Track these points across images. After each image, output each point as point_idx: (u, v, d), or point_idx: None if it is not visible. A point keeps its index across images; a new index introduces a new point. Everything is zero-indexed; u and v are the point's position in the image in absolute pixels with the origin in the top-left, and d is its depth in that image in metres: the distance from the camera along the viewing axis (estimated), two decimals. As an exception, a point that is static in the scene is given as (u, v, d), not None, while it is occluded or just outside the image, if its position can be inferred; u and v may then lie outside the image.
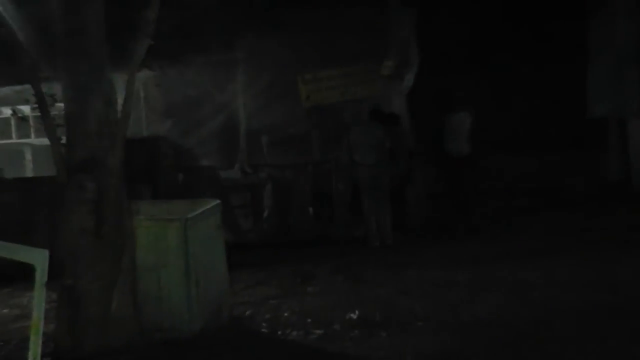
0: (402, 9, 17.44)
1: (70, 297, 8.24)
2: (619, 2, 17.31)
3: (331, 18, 17.45)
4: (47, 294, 6.65)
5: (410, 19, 17.33)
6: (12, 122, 20.40)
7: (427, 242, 14.36)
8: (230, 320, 9.53)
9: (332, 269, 12.51)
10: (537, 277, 10.77)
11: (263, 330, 9.30)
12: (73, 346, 8.18)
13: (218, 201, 9.84)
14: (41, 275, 6.45)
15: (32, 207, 13.83)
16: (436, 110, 16.25)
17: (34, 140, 20.01)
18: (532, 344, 7.86)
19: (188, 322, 8.80)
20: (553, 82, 16.81)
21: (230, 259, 9.91)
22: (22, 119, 17.94)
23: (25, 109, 17.55)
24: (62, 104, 8.72)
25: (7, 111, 19.76)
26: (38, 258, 6.52)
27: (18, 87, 16.61)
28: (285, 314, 9.86)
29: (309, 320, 9.43)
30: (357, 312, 9.58)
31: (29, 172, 20.14)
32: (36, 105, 9.23)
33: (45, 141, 9.73)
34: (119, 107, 8.65)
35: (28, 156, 20.67)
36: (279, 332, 9.11)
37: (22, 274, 7.04)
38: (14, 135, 21.03)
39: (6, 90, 18.83)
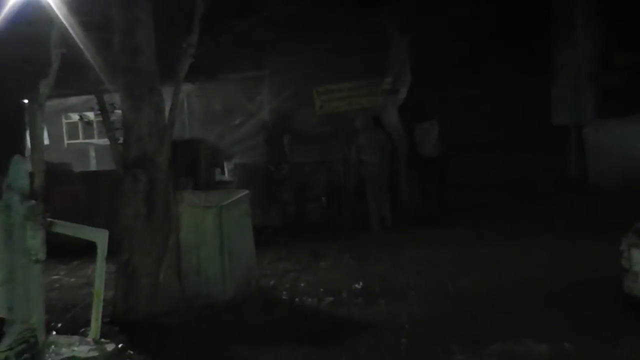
0: (399, 35, 17.42)
1: (126, 269, 8.26)
2: (578, 29, 17.32)
3: (341, 41, 17.46)
4: (107, 266, 6.68)
5: (405, 43, 17.31)
6: (79, 125, 20.46)
7: (418, 228, 14.31)
8: (257, 289, 9.52)
9: (341, 248, 12.48)
10: (510, 256, 10.73)
11: (284, 297, 9.29)
12: (128, 310, 8.20)
13: (247, 191, 9.84)
14: (102, 251, 6.47)
15: (95, 195, 13.84)
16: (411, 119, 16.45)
17: (97, 140, 20.05)
18: (506, 311, 7.85)
19: (222, 291, 8.81)
20: (523, 94, 16.73)
21: (257, 239, 9.91)
22: (87, 123, 18.00)
23: (90, 115, 17.58)
24: (120, 111, 8.74)
25: (75, 117, 19.82)
26: (99, 237, 6.54)
27: (84, 97, 16.67)
28: (302, 285, 9.85)
29: (321, 289, 9.42)
30: (360, 283, 9.56)
31: (92, 167, 20.18)
32: (99, 112, 9.27)
33: (106, 142, 9.76)
34: (166, 115, 8.67)
35: (92, 154, 20.73)
36: (297, 299, 9.10)
37: (87, 250, 7.07)
38: (80, 136, 21.10)
39: (75, 100, 18.91)
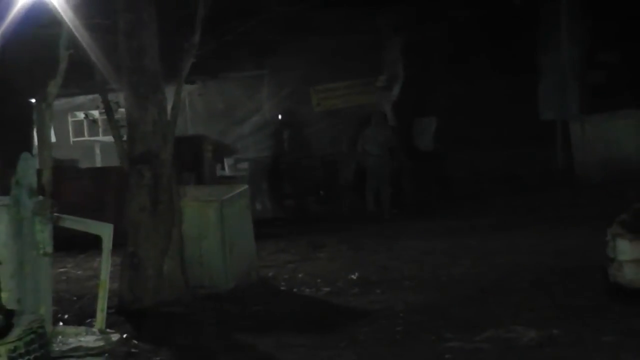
0: (392, 36, 17.43)
1: (131, 261, 8.23)
2: (563, 30, 17.36)
3: (338, 42, 17.46)
4: (112, 259, 6.65)
5: (399, 43, 17.33)
6: (85, 123, 20.43)
7: (413, 218, 14.32)
8: (257, 280, 9.50)
9: (338, 239, 12.47)
10: (499, 245, 10.73)
11: (283, 287, 9.28)
12: (134, 300, 8.18)
13: (247, 186, 9.83)
14: (107, 244, 6.44)
15: (101, 190, 13.82)
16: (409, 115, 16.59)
17: (101, 138, 20.02)
18: (494, 296, 7.87)
19: (224, 281, 8.82)
20: (512, 91, 16.75)
21: (258, 231, 9.89)
22: (93, 121, 17.95)
23: (95, 113, 17.55)
24: (124, 110, 8.72)
25: (80, 115, 19.80)
26: (105, 231, 6.51)
27: (90, 96, 16.65)
28: (300, 275, 9.83)
29: (319, 280, 9.40)
30: (357, 273, 9.54)
31: (98, 163, 20.17)
32: (104, 111, 9.24)
33: (110, 139, 9.72)
34: (169, 113, 8.65)
35: (97, 150, 20.71)
36: (295, 289, 9.09)
37: (93, 243, 7.05)
38: (86, 134, 21.08)
39: (81, 99, 18.90)
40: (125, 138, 8.62)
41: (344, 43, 17.42)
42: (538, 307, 7.32)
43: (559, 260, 9.34)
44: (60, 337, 6.11)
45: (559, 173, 17.10)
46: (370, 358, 6.23)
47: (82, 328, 6.79)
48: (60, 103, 16.64)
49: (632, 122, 16.28)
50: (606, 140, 16.33)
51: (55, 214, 6.05)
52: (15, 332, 4.19)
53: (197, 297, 8.43)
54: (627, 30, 16.23)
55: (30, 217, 5.83)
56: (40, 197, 5.96)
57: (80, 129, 21.65)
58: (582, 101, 17.34)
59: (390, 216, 14.88)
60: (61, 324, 7.31)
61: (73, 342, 6.02)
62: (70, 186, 13.18)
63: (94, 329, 6.52)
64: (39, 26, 10.07)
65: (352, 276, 9.42)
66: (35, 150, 8.13)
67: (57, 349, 5.78)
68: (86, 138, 21.55)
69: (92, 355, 5.87)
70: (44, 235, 5.88)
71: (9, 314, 4.38)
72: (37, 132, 8.00)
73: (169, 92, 8.73)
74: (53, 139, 10.85)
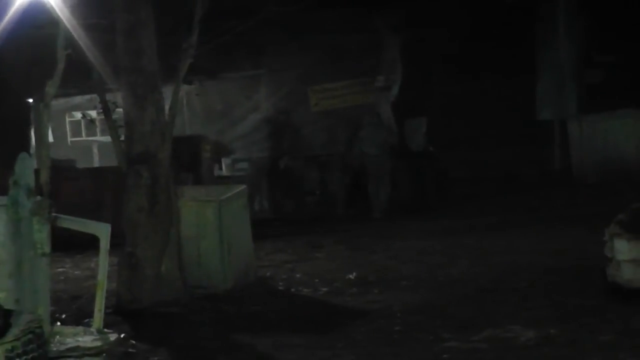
0: (390, 36, 17.44)
1: (129, 261, 8.23)
2: (560, 30, 17.39)
3: (336, 42, 17.46)
4: (110, 259, 6.64)
5: (396, 43, 17.34)
6: (82, 123, 20.38)
7: (410, 218, 14.32)
8: (255, 280, 9.49)
9: (336, 239, 12.47)
10: (497, 245, 10.73)
11: (281, 287, 9.28)
12: (132, 300, 8.18)
13: (245, 186, 9.83)
14: (105, 244, 6.43)
15: (99, 190, 13.81)
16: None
17: (99, 138, 19.97)
18: (494, 298, 7.86)
19: (222, 281, 8.82)
20: (510, 91, 16.78)
21: (256, 231, 9.89)
22: (90, 121, 17.94)
23: (93, 114, 17.52)
24: (122, 110, 8.72)
25: (78, 115, 19.76)
26: (102, 231, 6.50)
27: (88, 96, 16.59)
28: (298, 275, 9.83)
29: (317, 280, 9.40)
30: (355, 273, 9.53)
31: (95, 163, 20.11)
32: (102, 111, 9.24)
33: (108, 139, 9.73)
34: (167, 113, 8.65)
35: (95, 151, 20.65)
36: (293, 289, 9.09)
37: (91, 243, 7.04)
38: (83, 134, 21.03)
39: (79, 99, 18.83)
40: (123, 138, 8.61)
41: (342, 43, 17.42)
42: (536, 306, 7.33)
43: (556, 260, 9.35)
44: (58, 337, 6.10)
45: (557, 173, 17.14)
46: (368, 358, 6.24)
47: (80, 328, 6.78)
48: (57, 103, 16.56)
49: (630, 122, 16.33)
50: (604, 140, 16.37)
51: (53, 214, 6.04)
52: (13, 332, 4.19)
53: (195, 297, 8.44)
54: (625, 30, 16.27)
55: (28, 217, 5.82)
56: (38, 197, 5.95)
57: (78, 129, 21.57)
58: (579, 101, 17.37)
59: (382, 215, 14.94)
60: (59, 323, 7.31)
61: (71, 342, 6.02)
62: (68, 186, 13.18)
63: (92, 329, 6.51)
64: (37, 26, 10.05)
65: (350, 276, 9.42)
66: (32, 151, 8.14)
67: (54, 349, 5.78)
68: (84, 138, 21.48)
69: (89, 355, 5.87)
70: (41, 235, 5.87)
71: (7, 314, 4.38)
72: (35, 132, 8.03)
73: (167, 92, 8.73)
74: (51, 139, 10.84)
